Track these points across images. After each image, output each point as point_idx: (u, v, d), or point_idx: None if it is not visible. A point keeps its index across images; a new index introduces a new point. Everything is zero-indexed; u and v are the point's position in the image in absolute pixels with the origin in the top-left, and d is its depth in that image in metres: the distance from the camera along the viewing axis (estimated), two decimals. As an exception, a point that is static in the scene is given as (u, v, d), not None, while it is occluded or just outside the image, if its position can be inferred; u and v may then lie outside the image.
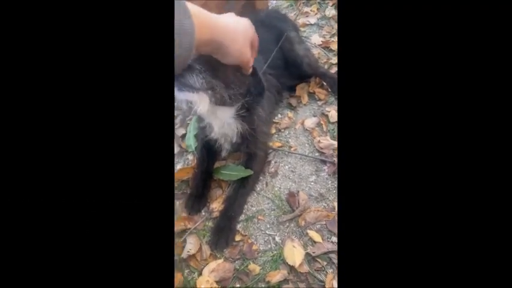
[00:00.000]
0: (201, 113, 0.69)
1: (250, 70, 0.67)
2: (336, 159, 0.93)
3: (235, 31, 0.54)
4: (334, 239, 0.79)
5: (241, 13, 1.08)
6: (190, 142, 1.07)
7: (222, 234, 0.83)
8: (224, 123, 0.79)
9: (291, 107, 1.17)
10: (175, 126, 1.16)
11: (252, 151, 0.92)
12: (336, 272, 0.73)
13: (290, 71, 1.10)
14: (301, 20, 1.56)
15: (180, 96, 0.61)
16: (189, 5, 0.44)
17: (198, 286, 0.74)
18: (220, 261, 0.79)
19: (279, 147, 1.04)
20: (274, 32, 1.06)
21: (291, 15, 1.62)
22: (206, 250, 0.82)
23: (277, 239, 0.82)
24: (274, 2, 1.77)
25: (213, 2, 0.77)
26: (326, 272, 0.74)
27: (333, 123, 1.06)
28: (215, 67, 0.62)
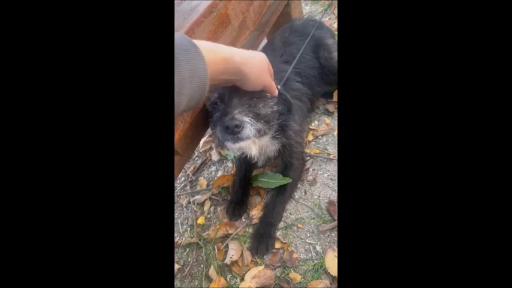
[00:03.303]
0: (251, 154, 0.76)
1: (276, 92, 0.71)
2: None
3: (251, 57, 0.57)
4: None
5: (278, 23, 1.10)
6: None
7: (262, 240, 0.85)
8: (262, 145, 0.83)
9: (328, 113, 1.16)
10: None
11: (288, 160, 0.93)
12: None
13: (327, 79, 1.09)
14: (336, 25, 1.54)
15: (234, 146, 0.67)
16: (198, 42, 0.45)
17: (240, 291, 0.77)
18: (261, 267, 0.81)
19: (316, 154, 1.04)
20: (311, 40, 1.05)
21: (326, 19, 1.60)
22: (247, 256, 0.84)
23: (318, 248, 0.82)
24: (308, 7, 1.77)
25: (252, 10, 0.80)
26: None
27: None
28: (259, 112, 0.69)
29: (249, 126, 0.65)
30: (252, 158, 0.92)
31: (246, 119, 0.65)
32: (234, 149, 0.69)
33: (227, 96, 0.67)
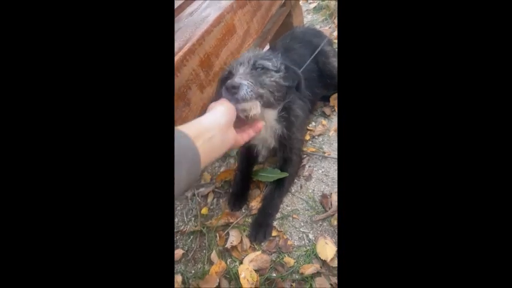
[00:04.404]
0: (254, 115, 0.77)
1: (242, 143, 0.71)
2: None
3: (218, 123, 0.57)
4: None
5: (280, 32, 1.20)
6: (232, 147, 1.19)
7: (261, 229, 0.93)
8: (267, 126, 0.90)
9: (325, 115, 1.25)
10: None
11: (287, 156, 1.01)
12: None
13: (325, 82, 1.18)
14: (335, 33, 1.63)
15: (238, 107, 0.69)
16: (186, 129, 0.48)
17: (239, 273, 0.85)
18: (258, 252, 0.89)
19: (313, 152, 1.12)
20: (310, 47, 1.15)
21: (326, 28, 1.70)
22: (246, 242, 0.92)
23: (310, 236, 0.89)
24: (310, 16, 1.86)
25: (255, 20, 0.89)
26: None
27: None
28: (261, 81, 0.75)
29: (245, 88, 0.68)
30: (256, 153, 1.00)
31: (244, 81, 0.69)
32: (238, 109, 0.68)
33: (234, 69, 0.74)
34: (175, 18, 0.79)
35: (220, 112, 0.60)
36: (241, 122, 0.70)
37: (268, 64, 0.78)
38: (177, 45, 0.66)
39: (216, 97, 0.76)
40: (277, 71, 0.80)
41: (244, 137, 0.69)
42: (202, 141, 0.50)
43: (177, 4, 0.84)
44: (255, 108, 0.73)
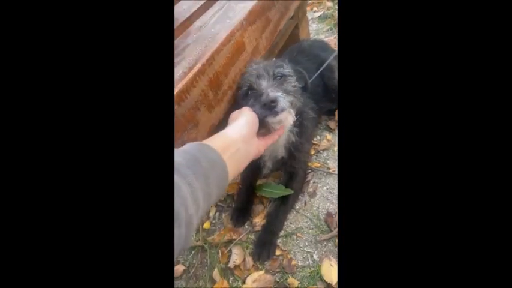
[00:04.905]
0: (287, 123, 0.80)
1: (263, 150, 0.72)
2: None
3: (242, 135, 0.59)
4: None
5: (286, 43, 1.19)
6: (236, 160, 1.18)
7: (264, 247, 0.91)
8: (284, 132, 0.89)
9: (330, 130, 1.24)
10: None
11: (294, 169, 1.00)
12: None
13: (329, 97, 1.17)
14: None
15: (275, 120, 0.72)
16: (212, 143, 0.49)
17: (242, 293, 0.83)
18: (261, 272, 0.87)
19: (317, 167, 1.11)
20: (317, 61, 1.14)
21: (331, 38, 1.69)
22: (249, 261, 0.91)
23: (315, 256, 0.88)
24: (315, 25, 1.85)
25: (264, 36, 0.88)
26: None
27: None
28: (286, 89, 0.77)
29: (282, 99, 0.71)
30: (262, 164, 0.99)
31: (278, 94, 0.72)
32: (274, 122, 0.73)
33: (255, 83, 0.75)
34: (185, 33, 0.77)
35: (243, 123, 0.62)
36: (262, 128, 0.70)
37: (285, 71, 0.80)
38: (186, 64, 0.65)
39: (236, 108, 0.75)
40: (292, 76, 0.82)
41: (267, 142, 0.70)
42: (229, 155, 0.51)
43: (185, 17, 0.82)
44: (290, 116, 0.77)
